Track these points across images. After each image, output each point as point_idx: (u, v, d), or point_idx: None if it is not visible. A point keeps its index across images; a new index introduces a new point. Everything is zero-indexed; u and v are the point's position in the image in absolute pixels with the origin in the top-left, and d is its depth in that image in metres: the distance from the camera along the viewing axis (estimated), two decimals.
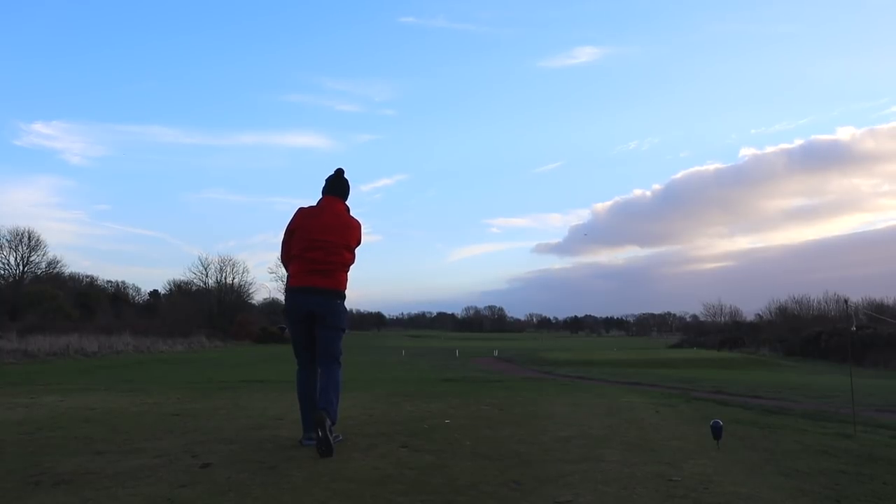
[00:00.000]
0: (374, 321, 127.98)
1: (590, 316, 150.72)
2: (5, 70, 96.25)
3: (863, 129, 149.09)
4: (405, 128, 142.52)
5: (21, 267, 49.08)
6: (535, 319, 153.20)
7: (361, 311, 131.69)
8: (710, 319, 77.32)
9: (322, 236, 4.24)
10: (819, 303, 57.38)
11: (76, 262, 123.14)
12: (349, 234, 4.34)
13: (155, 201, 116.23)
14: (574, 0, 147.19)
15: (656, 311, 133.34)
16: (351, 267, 4.41)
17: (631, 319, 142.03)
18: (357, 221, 4.45)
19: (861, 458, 4.11)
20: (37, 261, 50.30)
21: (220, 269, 64.52)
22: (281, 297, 70.27)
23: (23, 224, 55.56)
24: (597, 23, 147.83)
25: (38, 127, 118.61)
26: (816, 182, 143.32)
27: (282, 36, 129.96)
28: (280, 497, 3.00)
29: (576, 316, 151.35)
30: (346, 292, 4.39)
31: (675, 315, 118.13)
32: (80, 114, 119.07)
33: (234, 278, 65.36)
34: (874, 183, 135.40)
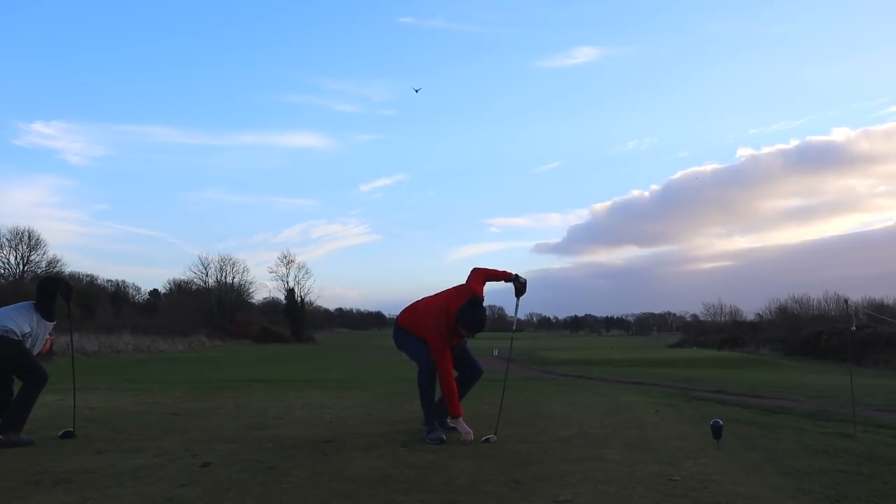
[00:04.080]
0: (374, 321, 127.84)
1: (590, 315, 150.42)
2: (5, 70, 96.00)
3: (858, 130, 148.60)
4: (405, 128, 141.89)
5: (21, 266, 49.05)
6: (535, 319, 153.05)
7: (361, 310, 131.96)
8: (710, 319, 77.13)
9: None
10: (819, 302, 57.11)
11: (76, 262, 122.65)
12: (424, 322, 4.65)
13: (155, 201, 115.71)
14: (573, 0, 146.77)
15: (656, 311, 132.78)
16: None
17: (631, 319, 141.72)
18: (434, 325, 4.55)
19: (861, 458, 4.10)
20: (37, 260, 50.22)
21: (220, 269, 64.49)
22: (280, 296, 70.62)
23: (23, 223, 55.37)
24: (595, 23, 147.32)
25: (38, 127, 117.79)
26: (813, 183, 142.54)
27: (281, 36, 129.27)
28: (280, 497, 3.00)
29: (576, 315, 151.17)
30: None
31: (675, 314, 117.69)
32: (80, 114, 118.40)
33: (234, 278, 65.35)
34: (870, 184, 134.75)
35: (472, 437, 4.40)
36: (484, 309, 4.57)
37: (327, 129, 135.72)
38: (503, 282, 4.84)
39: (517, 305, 4.94)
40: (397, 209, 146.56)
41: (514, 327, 5.53)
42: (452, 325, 4.51)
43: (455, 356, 4.66)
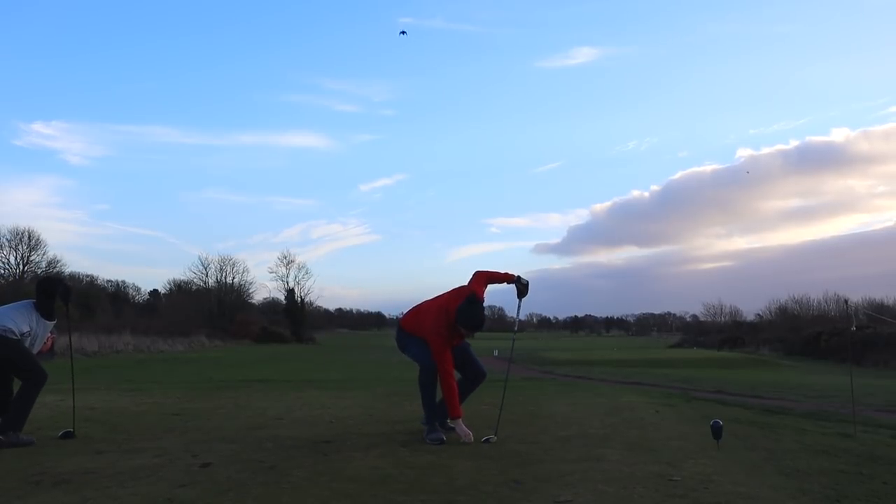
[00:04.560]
0: (373, 321, 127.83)
1: (590, 316, 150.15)
2: (5, 70, 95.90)
3: (857, 130, 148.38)
4: (405, 128, 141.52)
5: (21, 266, 49.03)
6: (535, 319, 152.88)
7: (361, 310, 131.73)
8: (710, 319, 76.99)
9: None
10: (819, 303, 56.97)
11: (76, 262, 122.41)
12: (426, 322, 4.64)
13: (155, 201, 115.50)
14: (572, 0, 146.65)
15: (656, 311, 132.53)
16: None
17: (631, 319, 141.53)
18: (434, 326, 4.55)
19: (861, 458, 4.11)
20: (37, 260, 50.18)
21: (220, 269, 64.44)
22: (280, 296, 70.63)
23: (23, 224, 55.26)
24: (595, 23, 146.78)
25: (38, 127, 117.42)
26: (812, 183, 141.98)
27: (281, 36, 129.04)
28: (280, 497, 3.00)
29: (576, 316, 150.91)
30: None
31: (675, 315, 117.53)
32: (80, 114, 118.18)
33: (234, 278, 65.32)
34: (869, 184, 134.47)
35: (471, 439, 4.39)
36: (482, 308, 4.58)
37: (327, 129, 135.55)
38: (505, 283, 4.85)
39: (519, 307, 4.95)
40: (397, 209, 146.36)
41: (517, 328, 5.53)
42: (452, 324, 4.51)
43: (457, 358, 4.66)
